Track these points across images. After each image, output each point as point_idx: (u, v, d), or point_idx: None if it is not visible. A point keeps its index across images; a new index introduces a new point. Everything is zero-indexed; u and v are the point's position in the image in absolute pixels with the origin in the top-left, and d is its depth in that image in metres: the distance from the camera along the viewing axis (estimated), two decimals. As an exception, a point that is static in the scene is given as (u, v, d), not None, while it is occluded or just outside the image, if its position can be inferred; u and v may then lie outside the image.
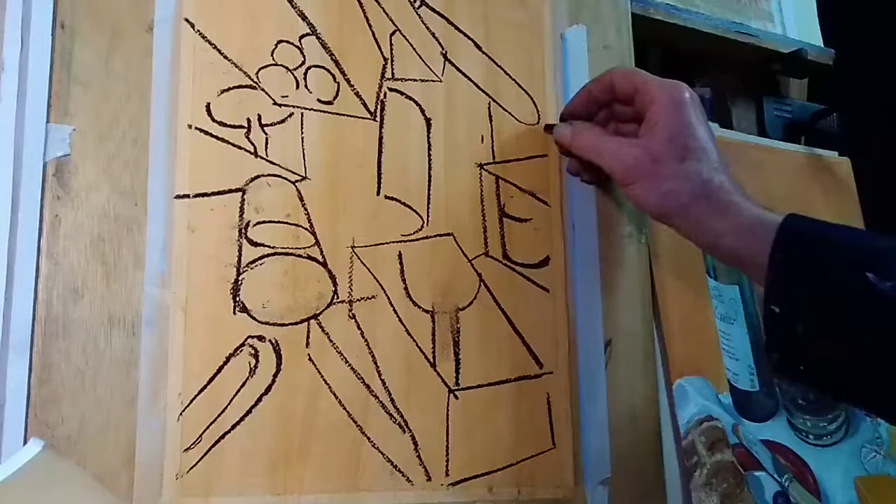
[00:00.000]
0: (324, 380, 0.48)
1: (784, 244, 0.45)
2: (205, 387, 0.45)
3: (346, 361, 0.48)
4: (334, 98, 0.51)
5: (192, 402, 0.45)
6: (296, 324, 0.48)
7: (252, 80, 0.49)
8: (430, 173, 0.53)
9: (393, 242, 0.51)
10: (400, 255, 0.51)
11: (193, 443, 0.44)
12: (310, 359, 0.48)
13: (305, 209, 0.49)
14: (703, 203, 0.48)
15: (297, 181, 0.49)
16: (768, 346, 0.46)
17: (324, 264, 0.49)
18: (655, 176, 0.49)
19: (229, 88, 0.48)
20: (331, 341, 0.48)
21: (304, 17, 0.51)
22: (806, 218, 0.47)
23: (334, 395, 0.48)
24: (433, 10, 0.55)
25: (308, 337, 0.48)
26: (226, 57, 0.48)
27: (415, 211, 0.52)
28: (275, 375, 0.47)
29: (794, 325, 0.44)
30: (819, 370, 0.44)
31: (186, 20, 0.48)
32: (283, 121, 0.49)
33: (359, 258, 0.50)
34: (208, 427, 0.45)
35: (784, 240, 0.45)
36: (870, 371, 0.43)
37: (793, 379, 0.48)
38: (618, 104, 0.54)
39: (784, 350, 0.45)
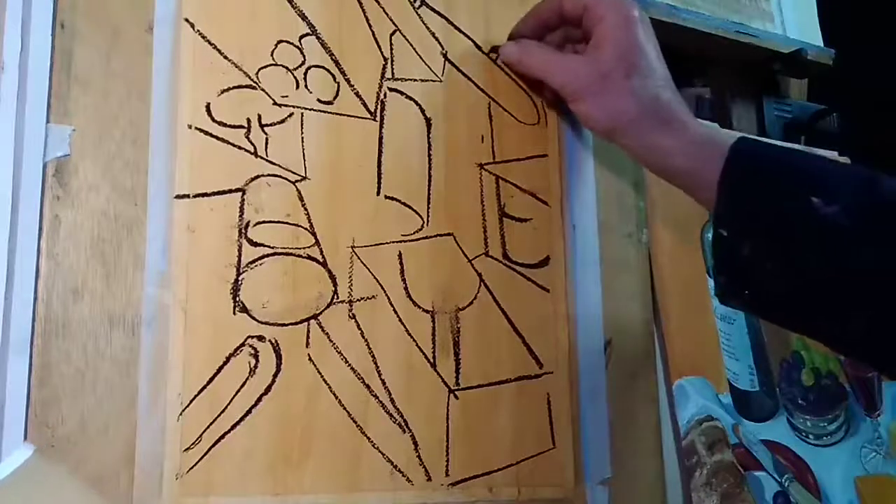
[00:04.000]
0: (324, 380, 0.48)
1: (734, 167, 0.45)
2: (205, 387, 0.45)
3: (346, 361, 0.48)
4: (334, 98, 0.51)
5: (192, 402, 0.45)
6: (296, 324, 0.48)
7: (252, 80, 0.49)
8: (430, 173, 0.53)
9: (393, 242, 0.51)
10: (400, 255, 0.51)
11: (193, 443, 0.44)
12: (310, 359, 0.48)
13: (305, 209, 0.49)
14: (650, 120, 0.48)
15: (297, 181, 0.49)
16: (715, 270, 0.46)
17: (324, 264, 0.49)
18: (603, 92, 0.49)
19: (229, 88, 0.48)
20: (331, 341, 0.48)
21: (304, 17, 0.51)
22: (757, 140, 0.47)
23: (334, 395, 0.48)
24: (433, 10, 0.55)
25: (308, 337, 0.48)
26: (226, 57, 0.48)
27: (415, 211, 0.52)
28: (275, 375, 0.47)
29: (741, 248, 0.44)
30: (763, 294, 0.45)
31: (186, 20, 0.48)
32: (283, 121, 0.49)
33: (359, 258, 0.50)
34: (208, 427, 0.45)
35: (734, 162, 0.45)
36: (810, 295, 0.43)
37: (738, 304, 0.48)
38: (569, 27, 0.54)
39: (730, 274, 0.45)
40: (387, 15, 0.53)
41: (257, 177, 0.48)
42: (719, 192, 0.44)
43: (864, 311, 0.42)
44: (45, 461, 0.41)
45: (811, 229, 0.42)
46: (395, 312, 0.50)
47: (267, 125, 0.49)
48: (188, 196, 0.46)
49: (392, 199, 0.51)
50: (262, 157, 0.48)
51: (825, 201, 0.42)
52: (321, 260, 0.49)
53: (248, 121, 0.48)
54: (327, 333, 0.48)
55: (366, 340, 0.49)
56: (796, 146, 0.78)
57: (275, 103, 0.49)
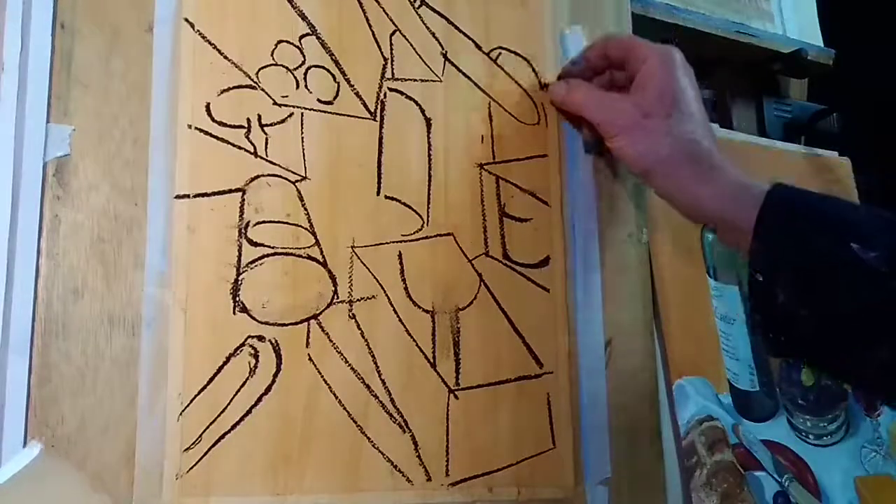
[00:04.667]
0: (324, 380, 0.48)
1: (770, 213, 0.45)
2: (205, 387, 0.45)
3: (346, 361, 0.48)
4: (334, 98, 0.51)
5: (192, 402, 0.45)
6: (296, 324, 0.48)
7: (252, 80, 0.49)
8: (430, 173, 0.53)
9: (393, 242, 0.51)
10: (400, 255, 0.51)
11: (193, 443, 0.44)
12: (310, 359, 0.48)
13: (305, 209, 0.49)
14: (686, 163, 0.48)
15: (297, 181, 0.49)
16: (751, 317, 0.46)
17: (324, 264, 0.49)
18: (640, 129, 0.50)
19: (229, 88, 0.48)
20: (331, 341, 0.48)
21: (304, 17, 0.51)
22: (792, 187, 0.47)
23: (334, 395, 0.48)
24: (433, 9, 0.55)
25: (308, 337, 0.48)
26: (226, 57, 0.48)
27: (415, 211, 0.52)
28: (275, 375, 0.47)
29: (776, 294, 0.44)
30: (800, 339, 0.45)
31: (186, 20, 0.48)
32: (283, 121, 0.49)
33: (359, 258, 0.50)
34: (208, 427, 0.45)
35: (770, 208, 0.45)
36: (850, 340, 0.43)
37: (772, 350, 0.48)
38: (614, 71, 0.55)
39: (766, 319, 0.45)
40: (387, 15, 0.53)
41: (257, 177, 0.48)
42: (754, 238, 0.45)
43: None
44: (45, 461, 0.41)
45: (851, 275, 0.42)
46: (395, 312, 0.50)
47: (267, 125, 0.49)
48: (188, 196, 0.46)
49: (392, 199, 0.51)
50: (262, 157, 0.48)
51: (864, 247, 0.42)
52: (321, 260, 0.49)
53: (248, 121, 0.48)
54: (327, 333, 0.48)
55: (366, 340, 0.49)
56: (794, 146, 0.78)
57: (275, 103, 0.49)
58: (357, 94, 0.51)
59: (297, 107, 0.50)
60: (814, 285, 0.43)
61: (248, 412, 0.46)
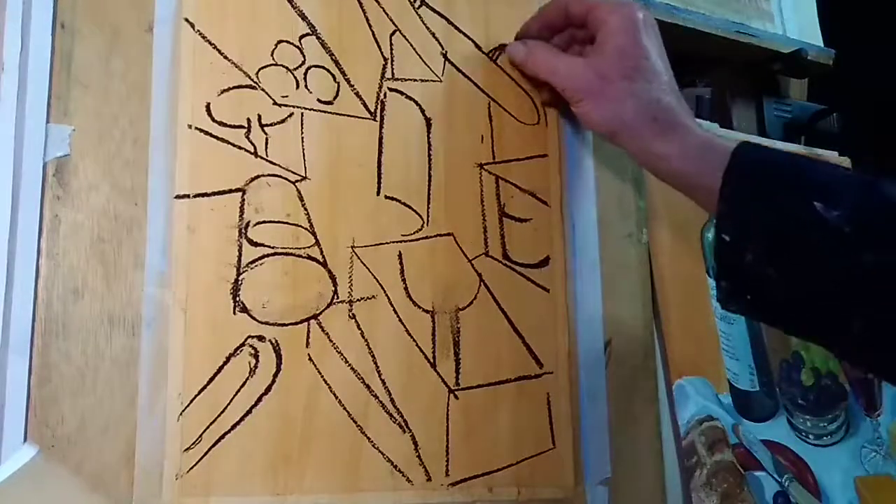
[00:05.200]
0: (324, 380, 0.48)
1: (736, 173, 0.45)
2: (205, 387, 0.45)
3: (346, 361, 0.48)
4: (334, 98, 0.51)
5: (192, 402, 0.45)
6: (296, 324, 0.48)
7: (252, 80, 0.49)
8: (430, 173, 0.53)
9: (393, 242, 0.51)
10: (400, 255, 0.51)
11: (193, 443, 0.44)
12: (310, 359, 0.48)
13: (305, 209, 0.49)
14: (650, 124, 0.48)
15: (297, 181, 0.49)
16: (717, 275, 0.46)
17: (324, 264, 0.49)
18: (603, 94, 0.49)
19: (229, 88, 0.48)
20: (331, 341, 0.48)
21: (304, 17, 0.51)
22: (758, 146, 0.47)
23: (334, 395, 0.48)
24: (433, 10, 0.55)
25: (308, 337, 0.48)
26: (226, 57, 0.48)
27: (415, 211, 0.52)
28: (275, 375, 0.47)
29: (744, 254, 0.44)
30: (765, 299, 0.45)
31: (186, 20, 0.48)
32: (283, 121, 0.49)
33: (359, 258, 0.50)
34: (208, 427, 0.45)
35: (736, 168, 0.45)
36: (812, 300, 0.43)
37: (740, 309, 0.48)
38: (574, 28, 0.54)
39: (733, 279, 0.45)
40: (387, 15, 0.53)
41: (257, 177, 0.48)
42: (721, 198, 0.45)
43: (864, 315, 0.42)
44: (45, 461, 0.41)
45: (814, 234, 0.42)
46: (395, 312, 0.50)
47: (267, 125, 0.49)
48: (188, 196, 0.46)
49: (392, 199, 0.51)
50: (262, 157, 0.48)
51: (827, 206, 0.42)
52: (321, 260, 0.49)
53: (248, 121, 0.48)
54: (327, 333, 0.48)
55: (366, 340, 0.49)
56: (794, 146, 0.78)
57: (275, 103, 0.49)
58: (357, 94, 0.51)
59: (297, 107, 0.50)
60: (779, 245, 0.43)
61: (248, 412, 0.46)
